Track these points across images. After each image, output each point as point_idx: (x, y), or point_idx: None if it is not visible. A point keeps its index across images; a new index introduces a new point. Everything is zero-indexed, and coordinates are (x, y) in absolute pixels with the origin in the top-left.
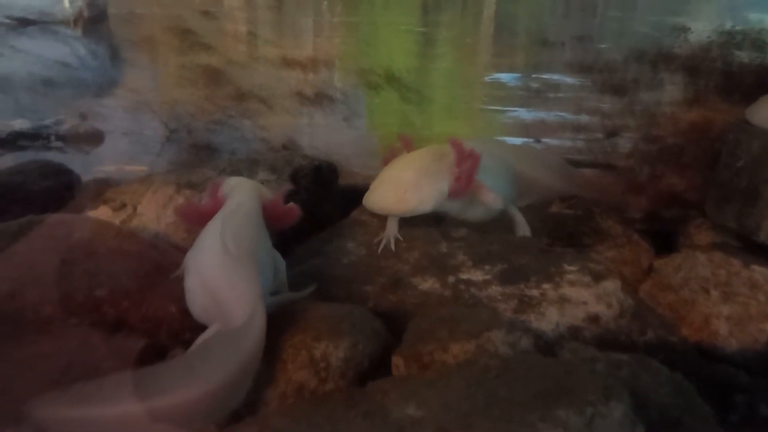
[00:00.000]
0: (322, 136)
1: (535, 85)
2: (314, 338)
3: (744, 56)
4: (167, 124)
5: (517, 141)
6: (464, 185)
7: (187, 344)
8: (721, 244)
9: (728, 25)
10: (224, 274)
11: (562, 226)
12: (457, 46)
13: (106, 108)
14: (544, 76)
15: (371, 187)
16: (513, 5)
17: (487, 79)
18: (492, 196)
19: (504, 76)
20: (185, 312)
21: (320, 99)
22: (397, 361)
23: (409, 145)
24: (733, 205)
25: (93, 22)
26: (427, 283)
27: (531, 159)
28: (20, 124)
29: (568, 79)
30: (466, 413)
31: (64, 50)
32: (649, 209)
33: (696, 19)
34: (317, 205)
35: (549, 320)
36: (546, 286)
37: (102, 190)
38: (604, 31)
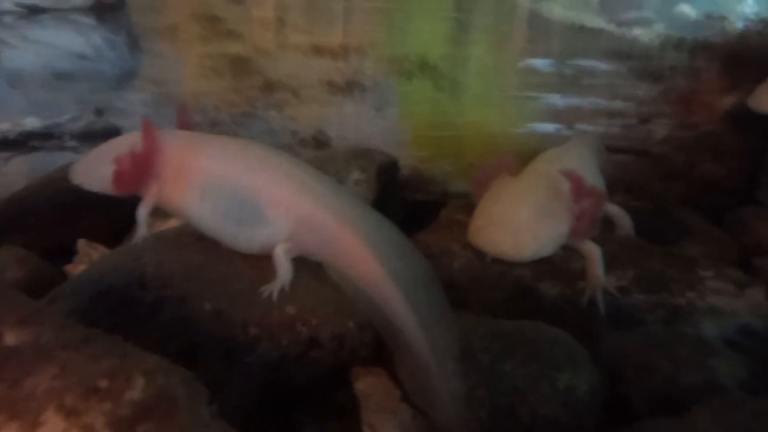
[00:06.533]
0: (353, 126)
1: (569, 71)
2: (553, 367)
3: None
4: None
5: (550, 128)
6: (587, 227)
7: (363, 361)
8: None
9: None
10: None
11: (641, 222)
12: (492, 32)
13: (125, 102)
14: (579, 63)
15: (476, 222)
16: None
17: (520, 65)
18: (589, 247)
19: (538, 62)
20: (362, 327)
21: (351, 88)
22: (635, 400)
23: (508, 167)
24: None
25: (110, 10)
26: (556, 289)
27: (596, 146)
28: (31, 122)
29: (603, 65)
30: None
31: (79, 40)
32: (685, 196)
33: (733, 7)
34: (389, 199)
35: (706, 333)
36: (690, 294)
37: None
38: (641, 17)
